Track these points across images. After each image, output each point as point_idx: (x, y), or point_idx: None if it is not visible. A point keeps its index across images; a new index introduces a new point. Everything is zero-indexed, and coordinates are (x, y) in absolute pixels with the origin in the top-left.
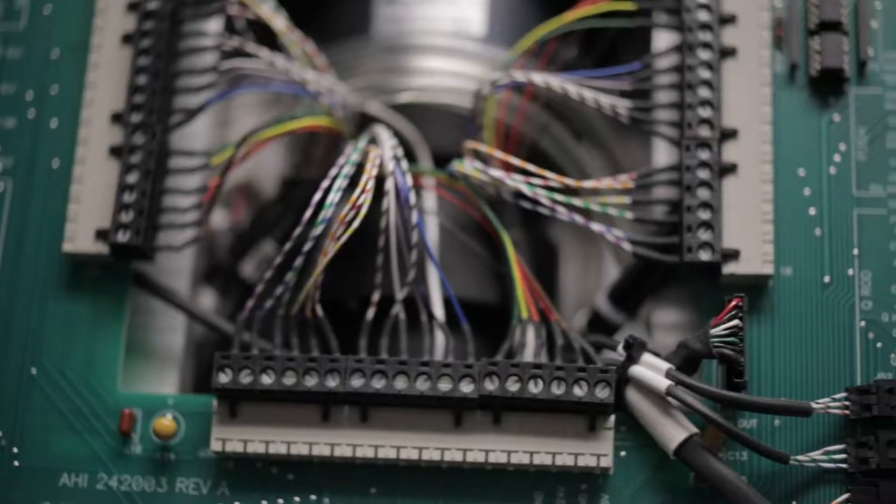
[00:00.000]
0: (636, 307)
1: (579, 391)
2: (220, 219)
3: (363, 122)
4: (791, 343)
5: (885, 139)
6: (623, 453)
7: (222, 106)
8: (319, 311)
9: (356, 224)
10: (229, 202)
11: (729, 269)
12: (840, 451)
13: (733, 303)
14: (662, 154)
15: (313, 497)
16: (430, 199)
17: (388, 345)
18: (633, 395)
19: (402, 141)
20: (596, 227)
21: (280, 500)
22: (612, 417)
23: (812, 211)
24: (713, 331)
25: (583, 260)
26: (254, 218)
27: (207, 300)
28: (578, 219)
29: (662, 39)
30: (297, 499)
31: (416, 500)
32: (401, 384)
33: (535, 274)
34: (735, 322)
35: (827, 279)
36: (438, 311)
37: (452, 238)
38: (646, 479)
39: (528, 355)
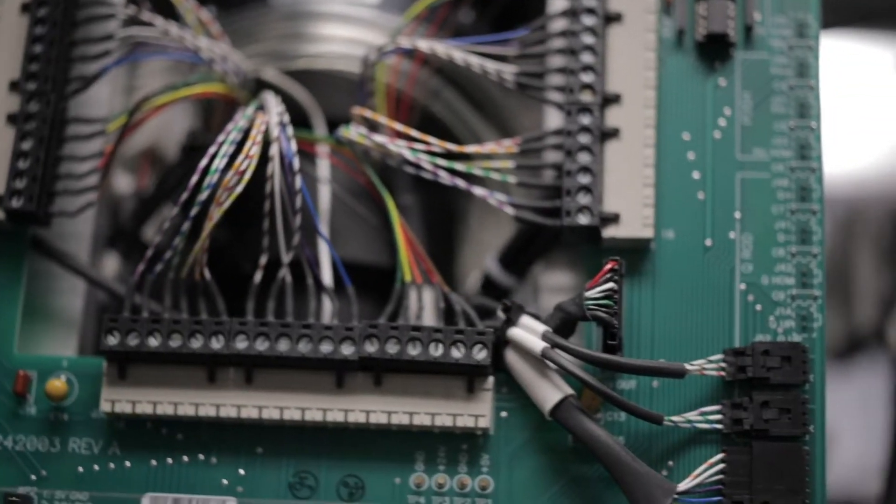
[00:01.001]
0: (525, 270)
1: (457, 353)
2: (125, 184)
3: (260, 88)
4: (672, 305)
5: (769, 103)
6: (504, 414)
7: (128, 73)
8: (207, 274)
9: (239, 189)
10: (135, 167)
11: (609, 232)
12: (716, 412)
13: (608, 266)
14: (553, 119)
15: (201, 456)
16: (322, 166)
17: (275, 308)
18: (511, 357)
19: (298, 108)
20: (478, 190)
21: (169, 460)
22: (491, 379)
23: (696, 175)
24: (588, 294)
25: (482, 224)
26: (156, 183)
27: (112, 264)
28: (461, 183)
29: (556, 4)
30: (185, 458)
31: (301, 460)
32: (283, 346)
33: (432, 238)
34: (610, 285)
35: (709, 242)
36: (326, 274)
37: (344, 204)
38: (526, 440)
39: (411, 318)
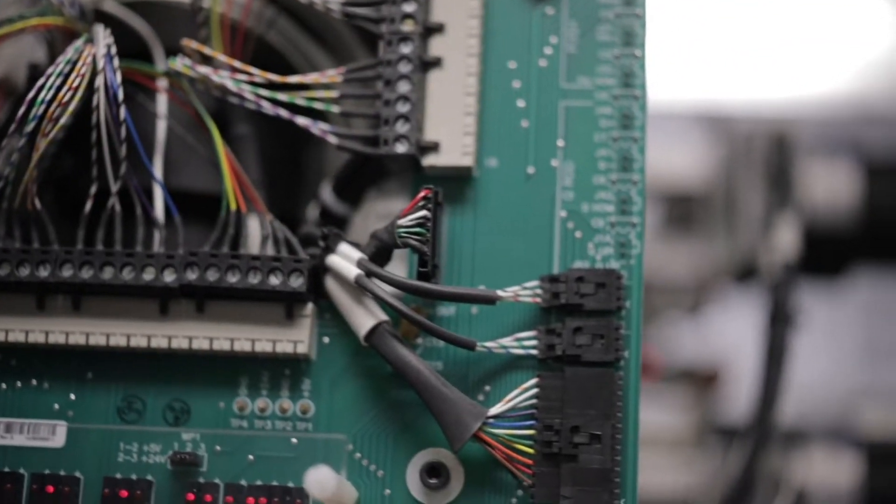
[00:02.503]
0: (358, 198)
1: (275, 280)
2: None
3: (101, 20)
4: (493, 232)
5: (595, 32)
6: (326, 340)
7: None
8: (38, 203)
9: (64, 121)
10: None
11: (428, 160)
12: (531, 339)
13: (421, 194)
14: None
15: (34, 382)
16: (159, 99)
17: (104, 237)
18: (331, 285)
19: (137, 39)
20: (301, 120)
21: (3, 385)
22: (310, 306)
23: (520, 103)
24: (400, 222)
25: (328, 154)
26: (6, 113)
27: None
28: (283, 113)
29: None
30: (19, 383)
31: (129, 385)
32: (108, 274)
33: (277, 168)
34: (422, 213)
35: (531, 170)
36: (158, 203)
37: (182, 135)
38: (346, 365)
39: (236, 246)
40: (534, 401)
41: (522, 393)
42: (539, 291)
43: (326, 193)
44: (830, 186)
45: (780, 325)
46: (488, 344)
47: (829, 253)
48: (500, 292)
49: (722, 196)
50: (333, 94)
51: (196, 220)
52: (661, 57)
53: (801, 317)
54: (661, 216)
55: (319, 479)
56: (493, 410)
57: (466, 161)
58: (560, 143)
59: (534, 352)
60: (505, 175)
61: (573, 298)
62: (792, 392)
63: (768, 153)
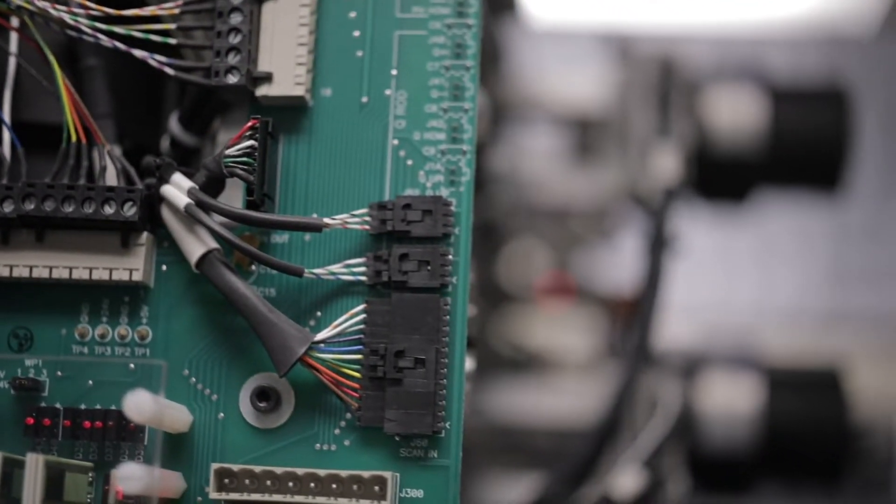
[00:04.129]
0: (204, 129)
1: (109, 210)
2: None
3: None
4: (328, 161)
5: None
6: (164, 268)
7: None
8: None
9: None
10: None
11: (261, 91)
12: (360, 265)
13: (249, 124)
14: None
15: None
16: (11, 37)
17: None
18: (166, 214)
19: None
20: (138, 53)
21: None
22: (145, 235)
23: (356, 33)
24: (227, 151)
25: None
26: None
27: None
28: (121, 46)
29: None
30: None
31: None
32: None
33: (132, 100)
34: (249, 143)
35: (365, 99)
36: (6, 136)
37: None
38: (183, 292)
39: (75, 177)
40: (362, 325)
41: (350, 318)
42: (368, 219)
43: (174, 124)
44: (734, 111)
45: (657, 251)
46: (317, 270)
47: (733, 178)
48: (327, 220)
49: (617, 121)
50: (171, 26)
51: (49, 152)
52: None
53: (679, 242)
54: (569, 141)
55: (137, 403)
56: (320, 336)
57: (298, 91)
58: (394, 72)
59: (363, 278)
60: (339, 104)
61: (400, 226)
62: (692, 317)
63: (657, 77)
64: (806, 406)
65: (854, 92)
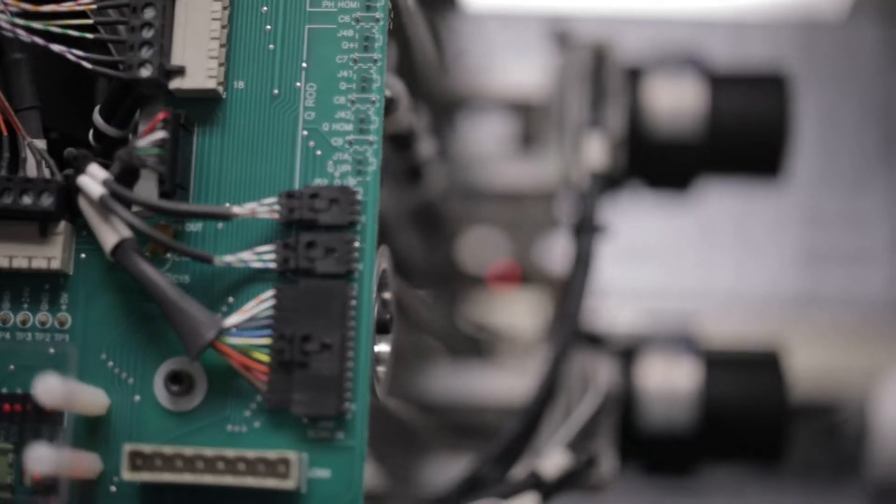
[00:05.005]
0: (126, 121)
1: (27, 200)
2: None
3: None
4: (240, 152)
5: None
6: (83, 255)
7: None
8: None
9: None
10: None
11: (175, 84)
12: (269, 252)
13: (159, 117)
14: None
15: None
16: None
17: None
18: (83, 204)
19: None
20: (56, 47)
21: None
22: (63, 224)
23: (267, 27)
24: (138, 143)
25: None
26: None
27: None
28: (39, 41)
29: None
30: None
31: None
32: None
33: (63, 93)
34: (159, 134)
35: (276, 91)
36: None
37: None
38: (101, 279)
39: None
40: (270, 312)
41: (259, 304)
42: (277, 207)
43: (96, 116)
44: (673, 96)
45: (583, 235)
46: (227, 258)
47: (673, 164)
48: (236, 208)
49: (557, 107)
50: (88, 21)
51: None
52: None
53: (607, 227)
54: (514, 127)
55: (46, 387)
56: (230, 321)
57: (210, 84)
58: (304, 64)
59: (272, 265)
60: (251, 97)
61: (308, 214)
62: (634, 302)
63: (591, 62)
64: (745, 386)
65: (794, 77)
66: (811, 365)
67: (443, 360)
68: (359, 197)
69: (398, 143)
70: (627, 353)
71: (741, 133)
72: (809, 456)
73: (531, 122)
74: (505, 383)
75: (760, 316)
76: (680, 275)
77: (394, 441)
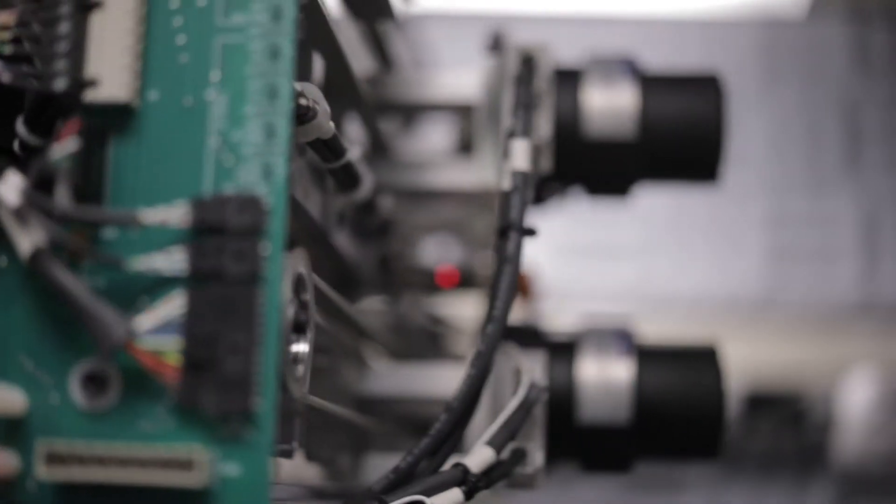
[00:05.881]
0: (49, 131)
1: None
2: None
3: None
4: (154, 161)
5: None
6: (3, 259)
7: None
8: None
9: None
10: None
11: (88, 96)
12: (181, 257)
13: (70, 127)
14: None
15: None
16: None
17: None
18: (1, 211)
19: None
20: None
21: None
22: None
23: (180, 40)
24: (51, 153)
25: None
26: None
27: None
28: None
29: None
30: None
31: None
32: None
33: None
34: (72, 144)
35: (188, 102)
36: None
37: None
38: (22, 284)
39: None
40: (180, 314)
41: (168, 306)
42: (188, 214)
43: (19, 127)
44: (606, 98)
45: (511, 236)
46: (138, 263)
47: (608, 167)
48: (146, 215)
49: (492, 110)
50: (7, 35)
51: None
52: None
53: (532, 229)
54: (456, 129)
55: None
56: (139, 323)
57: (122, 95)
58: (215, 76)
59: (182, 269)
60: (165, 107)
61: (217, 220)
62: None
63: (521, 64)
64: (680, 381)
65: (728, 77)
66: (740, 360)
67: (386, 359)
68: (266, 203)
69: (326, 148)
70: (563, 347)
71: (675, 135)
72: (776, 446)
73: (473, 125)
74: (449, 374)
75: (696, 313)
76: (619, 276)
77: (340, 441)
